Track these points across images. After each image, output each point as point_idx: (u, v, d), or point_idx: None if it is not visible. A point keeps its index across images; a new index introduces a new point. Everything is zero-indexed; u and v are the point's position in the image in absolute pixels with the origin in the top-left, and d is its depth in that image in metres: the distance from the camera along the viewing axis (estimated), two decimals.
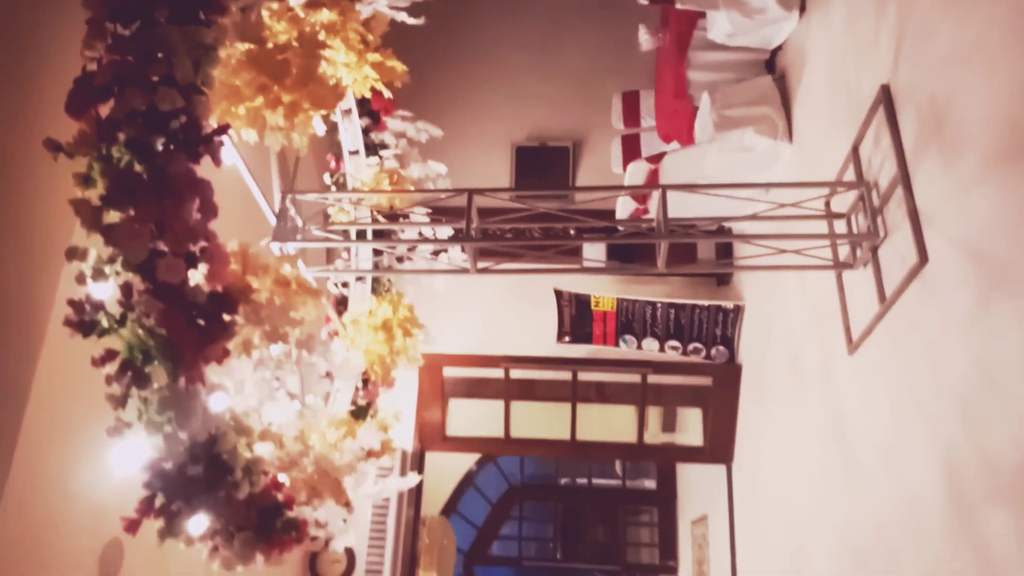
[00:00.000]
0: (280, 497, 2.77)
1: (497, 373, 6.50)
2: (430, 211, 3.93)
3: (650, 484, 12.25)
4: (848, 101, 3.82)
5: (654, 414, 8.52)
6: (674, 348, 6.32)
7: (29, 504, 2.62)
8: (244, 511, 2.61)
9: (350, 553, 5.85)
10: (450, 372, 6.56)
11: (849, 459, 3.66)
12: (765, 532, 5.36)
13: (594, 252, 6.31)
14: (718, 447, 6.40)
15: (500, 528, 11.70)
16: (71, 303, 2.10)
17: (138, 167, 2.13)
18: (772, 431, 5.21)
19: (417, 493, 6.52)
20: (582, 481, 13.04)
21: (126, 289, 2.12)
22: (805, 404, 4.38)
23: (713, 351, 6.27)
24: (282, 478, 2.90)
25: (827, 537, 3.94)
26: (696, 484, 9.00)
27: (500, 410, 6.59)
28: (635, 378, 6.50)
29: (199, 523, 2.62)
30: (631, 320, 6.34)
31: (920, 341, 2.92)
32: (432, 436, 6.62)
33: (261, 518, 2.68)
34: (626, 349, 6.39)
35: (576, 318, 6.41)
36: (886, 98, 3.25)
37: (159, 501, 2.42)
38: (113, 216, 2.09)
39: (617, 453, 8.92)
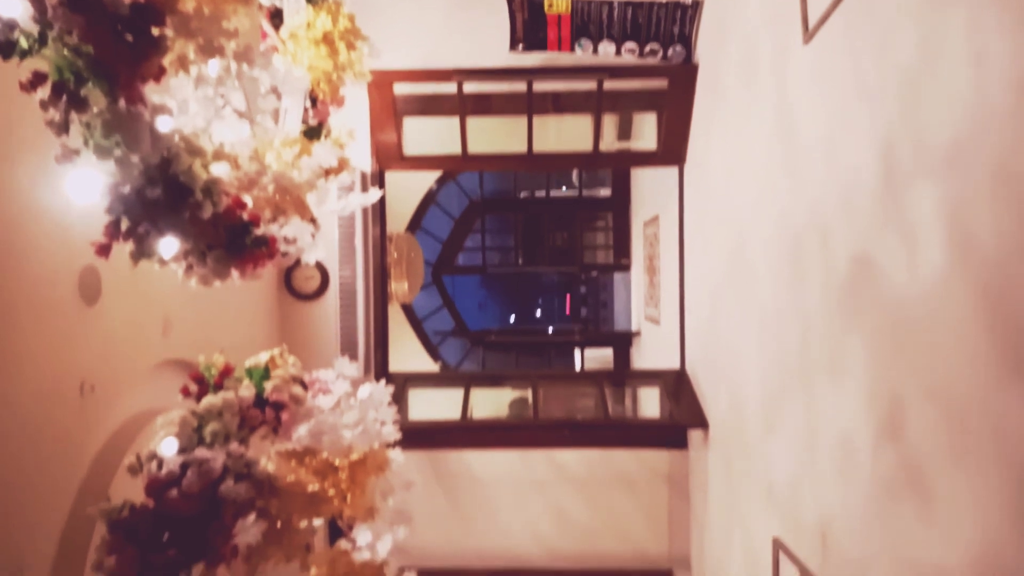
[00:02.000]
0: (245, 216, 2.84)
1: (450, 88, 6.34)
2: None
3: (605, 192, 12.72)
4: None
5: (610, 122, 8.55)
6: (631, 51, 6.14)
7: None
8: (212, 230, 2.69)
9: (323, 269, 6.16)
10: (401, 89, 6.38)
11: (793, 149, 3.80)
12: (710, 225, 5.72)
13: None
14: (671, 150, 6.55)
15: (464, 241, 12.28)
16: None
17: None
18: (724, 129, 5.31)
19: (381, 211, 6.69)
20: (540, 194, 13.46)
21: (38, 3, 1.95)
22: (757, 99, 4.42)
23: (670, 51, 6.13)
24: (246, 200, 2.94)
25: (766, 223, 4.23)
26: (649, 188, 9.36)
27: (456, 127, 6.54)
28: (591, 85, 6.40)
29: (169, 245, 2.70)
30: (587, 22, 6.07)
31: (873, 25, 2.89)
32: (389, 156, 6.62)
33: (230, 236, 2.77)
34: (582, 54, 6.20)
35: (529, 23, 6.11)
36: None
37: (124, 225, 2.47)
38: None
39: (574, 163, 9.08)
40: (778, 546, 3.86)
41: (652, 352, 9.22)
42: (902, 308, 2.64)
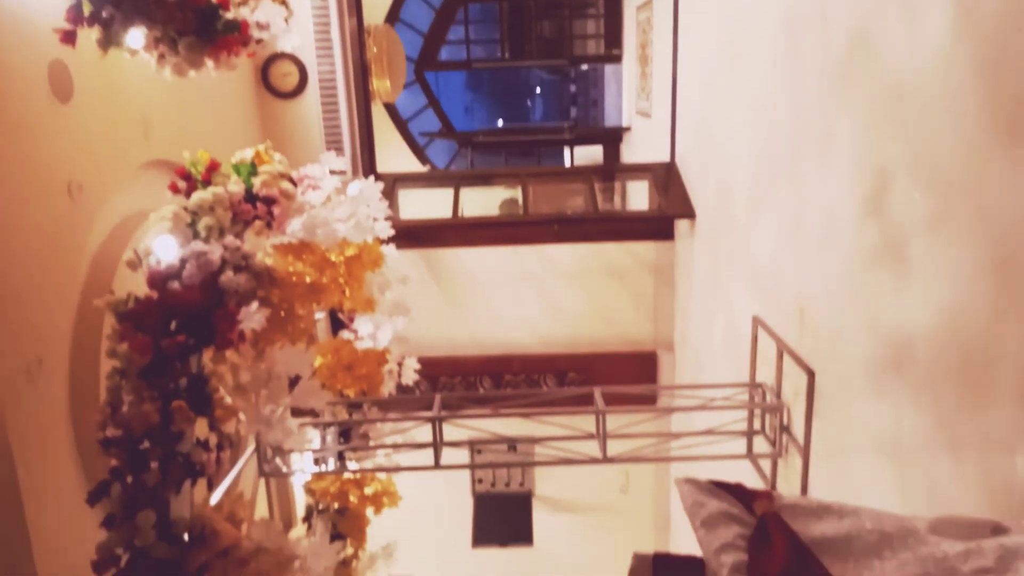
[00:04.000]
0: None
1: None
2: None
3: None
4: None
5: None
6: None
7: None
8: (180, 14, 2.54)
9: (300, 65, 5.89)
10: None
11: None
12: (706, 5, 5.42)
13: None
14: None
15: (446, 33, 11.64)
16: None
17: None
18: None
19: (356, 1, 6.28)
20: None
21: None
22: None
23: None
24: None
25: (763, 10, 4.02)
26: None
27: None
28: None
29: (138, 34, 2.57)
30: None
31: None
32: None
33: (199, 21, 2.63)
34: None
35: None
36: None
37: (87, 8, 2.33)
38: None
39: None
40: (757, 323, 4.08)
41: (642, 148, 9.12)
42: (897, 82, 2.59)
